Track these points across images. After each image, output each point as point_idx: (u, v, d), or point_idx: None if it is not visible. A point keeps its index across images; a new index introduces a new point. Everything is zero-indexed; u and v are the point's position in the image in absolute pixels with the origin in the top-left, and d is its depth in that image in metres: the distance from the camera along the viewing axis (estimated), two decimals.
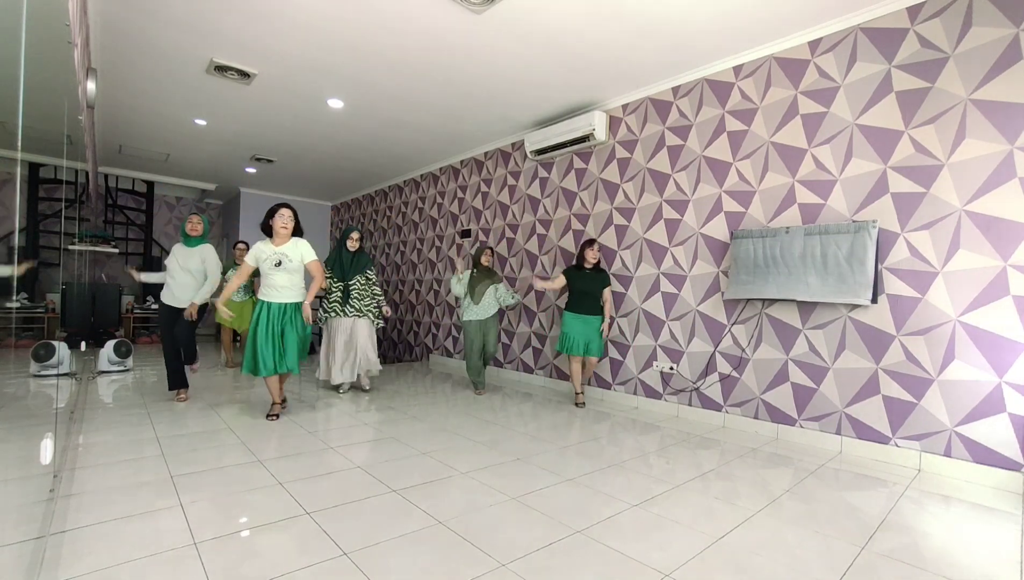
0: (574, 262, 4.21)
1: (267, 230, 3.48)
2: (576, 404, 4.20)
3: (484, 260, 4.61)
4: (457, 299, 4.65)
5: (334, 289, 4.47)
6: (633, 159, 4.34)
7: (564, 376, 4.88)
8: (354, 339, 4.37)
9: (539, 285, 4.26)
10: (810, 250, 3.15)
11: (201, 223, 4.00)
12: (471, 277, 4.56)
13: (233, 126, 5.47)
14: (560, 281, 4.22)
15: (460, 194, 6.35)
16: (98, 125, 5.45)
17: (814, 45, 3.28)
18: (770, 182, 3.46)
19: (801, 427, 3.27)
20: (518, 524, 1.96)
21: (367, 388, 4.58)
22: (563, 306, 4.32)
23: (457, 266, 4.80)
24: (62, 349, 4.40)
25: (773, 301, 3.40)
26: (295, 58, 3.85)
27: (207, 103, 4.81)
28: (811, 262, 3.14)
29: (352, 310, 4.40)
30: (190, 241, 3.94)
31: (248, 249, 4.86)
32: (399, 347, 7.49)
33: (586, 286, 4.08)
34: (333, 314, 4.42)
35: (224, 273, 4.81)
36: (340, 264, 4.46)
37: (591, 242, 4.14)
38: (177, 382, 3.91)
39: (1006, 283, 2.57)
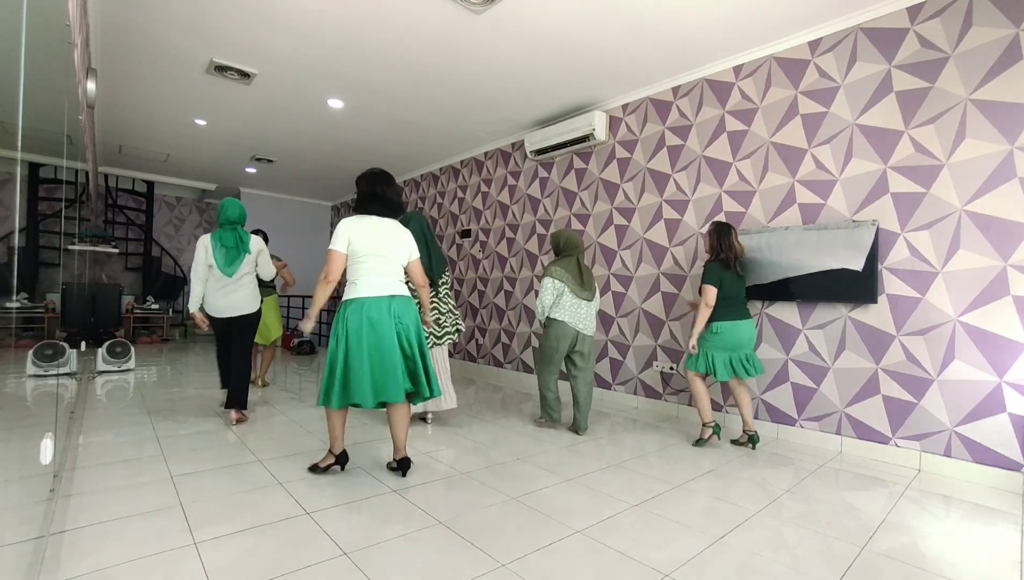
0: (719, 255, 3.08)
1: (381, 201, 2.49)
2: (745, 442, 3.15)
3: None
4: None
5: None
6: (633, 159, 4.34)
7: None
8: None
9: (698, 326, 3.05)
10: (807, 240, 3.17)
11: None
12: (572, 264, 3.33)
13: (233, 126, 5.47)
14: (711, 293, 2.99)
15: (460, 194, 6.35)
16: (98, 125, 5.45)
17: (814, 45, 3.28)
18: (770, 182, 3.46)
19: (801, 427, 3.27)
20: (518, 524, 1.96)
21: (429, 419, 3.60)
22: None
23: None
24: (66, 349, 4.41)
25: (773, 301, 3.40)
26: (295, 58, 3.85)
27: (207, 103, 4.81)
28: (806, 247, 3.16)
29: (448, 330, 3.42)
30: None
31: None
32: None
33: (737, 288, 3.10)
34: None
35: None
36: (428, 260, 3.31)
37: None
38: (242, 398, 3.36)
39: (1006, 283, 2.57)
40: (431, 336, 3.33)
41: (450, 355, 6.36)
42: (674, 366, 3.95)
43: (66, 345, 4.59)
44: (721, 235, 3.09)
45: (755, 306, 3.51)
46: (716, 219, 3.25)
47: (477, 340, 5.96)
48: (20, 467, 2.48)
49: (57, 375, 4.32)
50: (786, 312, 3.36)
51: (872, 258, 2.92)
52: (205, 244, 3.21)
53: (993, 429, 2.59)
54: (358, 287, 2.34)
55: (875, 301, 2.96)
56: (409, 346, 2.40)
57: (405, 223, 3.52)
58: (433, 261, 3.36)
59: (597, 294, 3.44)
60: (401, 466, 2.45)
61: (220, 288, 3.24)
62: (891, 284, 2.94)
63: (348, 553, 1.69)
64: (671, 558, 1.74)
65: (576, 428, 3.35)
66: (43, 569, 1.53)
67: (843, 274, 3.00)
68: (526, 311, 5.29)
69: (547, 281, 3.28)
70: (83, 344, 5.56)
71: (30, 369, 4.34)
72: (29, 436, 2.93)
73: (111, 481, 2.25)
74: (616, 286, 4.41)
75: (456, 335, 3.46)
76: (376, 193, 2.47)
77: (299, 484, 2.29)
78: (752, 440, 3.08)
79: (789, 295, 3.26)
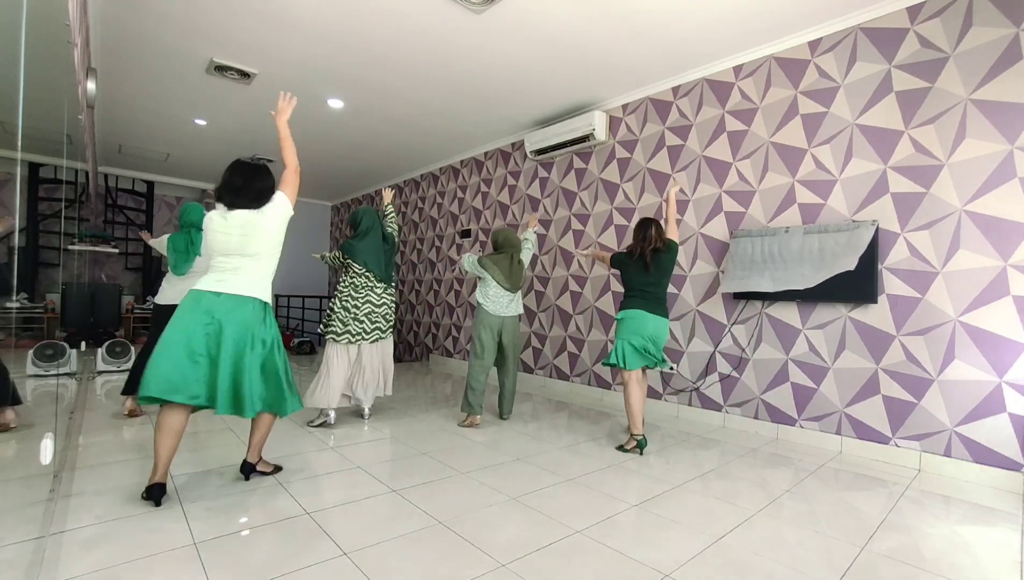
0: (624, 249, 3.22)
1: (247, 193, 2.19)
2: (633, 447, 2.94)
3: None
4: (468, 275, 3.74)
5: (363, 295, 3.42)
6: (633, 159, 4.34)
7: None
8: (377, 357, 3.53)
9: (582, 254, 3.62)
10: (808, 246, 3.16)
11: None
12: (504, 261, 3.55)
13: (233, 126, 5.47)
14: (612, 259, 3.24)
15: (460, 194, 6.35)
16: (98, 125, 5.45)
17: (814, 45, 3.28)
18: (770, 182, 3.46)
19: (801, 427, 3.27)
20: (518, 524, 1.96)
21: (367, 414, 3.58)
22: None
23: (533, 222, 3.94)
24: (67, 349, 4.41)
25: (773, 301, 3.40)
26: (295, 58, 3.85)
27: (207, 103, 4.81)
28: (808, 257, 3.14)
29: (384, 328, 3.52)
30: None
31: None
32: (399, 347, 7.49)
33: (644, 283, 3.04)
34: (354, 336, 3.35)
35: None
36: (378, 259, 3.46)
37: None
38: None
39: (1006, 283, 2.57)
40: (376, 330, 3.44)
41: (448, 355, 6.36)
42: (674, 366, 3.95)
43: (66, 345, 4.59)
44: (636, 227, 3.07)
45: (755, 306, 3.51)
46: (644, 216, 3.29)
47: None
48: (20, 467, 2.48)
49: (57, 375, 4.33)
50: (786, 312, 3.36)
51: (872, 258, 2.92)
52: (162, 243, 3.41)
53: (993, 429, 2.59)
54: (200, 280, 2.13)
55: (875, 301, 2.95)
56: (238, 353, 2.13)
57: (355, 220, 3.51)
58: (386, 256, 3.52)
59: (521, 289, 3.64)
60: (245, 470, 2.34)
61: (180, 280, 3.27)
62: (891, 284, 2.94)
63: (348, 553, 1.69)
64: (671, 558, 1.74)
65: (501, 414, 3.68)
66: (43, 569, 1.53)
67: (842, 274, 2.99)
68: (526, 311, 5.29)
69: (472, 262, 3.55)
70: (83, 344, 5.56)
71: (30, 369, 4.34)
72: (29, 436, 2.93)
73: (111, 481, 2.25)
74: (616, 286, 4.41)
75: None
76: (233, 183, 2.14)
77: (299, 484, 2.29)
78: (640, 446, 2.88)
79: (789, 295, 3.26)
